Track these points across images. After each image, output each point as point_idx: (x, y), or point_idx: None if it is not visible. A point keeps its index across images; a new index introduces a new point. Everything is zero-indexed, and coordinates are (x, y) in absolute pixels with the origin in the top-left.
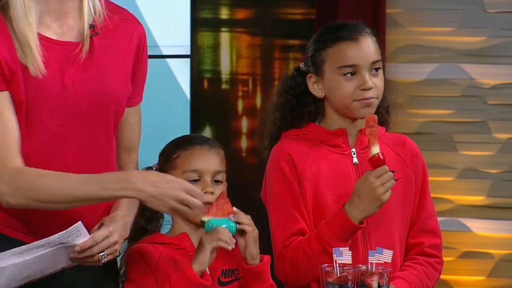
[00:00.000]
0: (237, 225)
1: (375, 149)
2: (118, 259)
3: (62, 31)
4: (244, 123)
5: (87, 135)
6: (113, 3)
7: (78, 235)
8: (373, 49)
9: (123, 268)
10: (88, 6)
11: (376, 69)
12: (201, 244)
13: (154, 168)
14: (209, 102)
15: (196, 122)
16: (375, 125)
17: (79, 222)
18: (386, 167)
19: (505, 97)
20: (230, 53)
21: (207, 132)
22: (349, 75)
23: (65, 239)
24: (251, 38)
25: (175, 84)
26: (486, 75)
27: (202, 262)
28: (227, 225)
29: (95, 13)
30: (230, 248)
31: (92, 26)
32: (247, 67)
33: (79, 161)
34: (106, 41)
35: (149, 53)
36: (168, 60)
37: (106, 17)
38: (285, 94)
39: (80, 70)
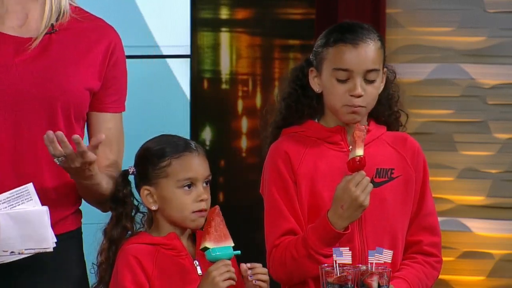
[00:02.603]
0: (254, 282)
1: (360, 151)
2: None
3: (21, 29)
4: (244, 123)
5: (27, 121)
6: (88, 12)
7: (28, 199)
8: (372, 57)
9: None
10: (50, 8)
11: (371, 80)
12: (214, 284)
13: (131, 172)
14: (209, 102)
15: (196, 122)
16: (365, 133)
17: (30, 183)
18: (363, 173)
19: (505, 97)
20: (230, 53)
21: (207, 132)
22: (342, 78)
23: (14, 200)
24: (251, 38)
25: (175, 84)
26: (486, 75)
27: None
28: (230, 254)
29: (59, 14)
30: (235, 282)
31: (52, 25)
32: (247, 67)
33: (18, 145)
34: (67, 39)
35: (149, 53)
36: (168, 60)
37: (74, 20)
38: (292, 84)
39: (31, 60)
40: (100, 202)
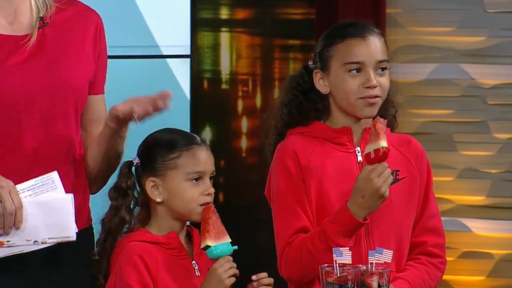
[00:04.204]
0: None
1: (384, 143)
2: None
3: (12, 27)
4: (244, 123)
5: (43, 121)
6: None
7: (53, 188)
8: (380, 49)
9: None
10: (35, 1)
11: (382, 69)
12: (220, 281)
13: (135, 163)
14: (209, 102)
15: (196, 122)
16: (385, 125)
17: (55, 172)
18: (386, 164)
19: (505, 97)
20: (230, 53)
21: (207, 132)
22: (354, 71)
23: (39, 188)
24: (251, 38)
25: (175, 84)
26: (486, 75)
27: None
28: (230, 250)
29: (45, 6)
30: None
31: (41, 18)
32: (247, 67)
33: (37, 146)
34: (59, 32)
35: (149, 53)
36: (168, 60)
37: (58, 10)
38: (292, 91)
39: (31, 59)
40: (115, 163)
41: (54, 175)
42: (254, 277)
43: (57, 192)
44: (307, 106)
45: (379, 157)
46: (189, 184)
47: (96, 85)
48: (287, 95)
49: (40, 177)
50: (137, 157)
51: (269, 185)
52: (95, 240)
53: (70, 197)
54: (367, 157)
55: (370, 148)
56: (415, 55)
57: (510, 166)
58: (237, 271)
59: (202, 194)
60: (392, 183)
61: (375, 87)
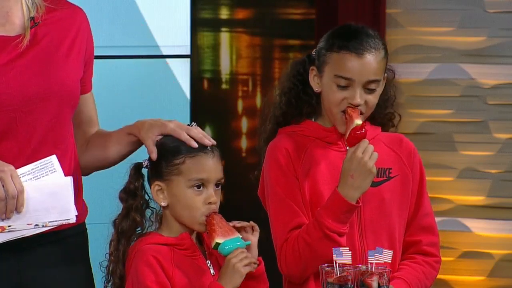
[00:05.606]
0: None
1: (358, 121)
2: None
3: (5, 28)
4: (244, 123)
5: (40, 120)
6: None
7: (53, 171)
8: (375, 68)
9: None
10: (26, 1)
11: (371, 89)
12: (235, 269)
13: (144, 165)
14: (209, 102)
15: (196, 122)
16: (357, 110)
17: (53, 155)
18: (367, 140)
19: (505, 97)
20: (230, 53)
21: (207, 132)
22: (342, 85)
23: (39, 172)
24: (251, 38)
25: (175, 84)
26: (486, 75)
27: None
28: (242, 244)
29: (35, 6)
30: (254, 269)
31: (32, 19)
32: (247, 67)
33: (35, 145)
34: (50, 31)
35: (149, 53)
36: (168, 60)
37: (48, 9)
38: (293, 79)
39: (25, 59)
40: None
41: (53, 158)
42: (236, 223)
43: (56, 175)
44: (303, 99)
45: (358, 135)
46: (191, 191)
47: (85, 83)
48: (287, 82)
49: (39, 161)
50: (147, 160)
51: (262, 186)
52: (94, 242)
53: (69, 179)
54: (348, 139)
55: (348, 132)
56: (415, 55)
57: (510, 166)
58: (254, 260)
59: (204, 203)
60: (385, 181)
61: (357, 105)
